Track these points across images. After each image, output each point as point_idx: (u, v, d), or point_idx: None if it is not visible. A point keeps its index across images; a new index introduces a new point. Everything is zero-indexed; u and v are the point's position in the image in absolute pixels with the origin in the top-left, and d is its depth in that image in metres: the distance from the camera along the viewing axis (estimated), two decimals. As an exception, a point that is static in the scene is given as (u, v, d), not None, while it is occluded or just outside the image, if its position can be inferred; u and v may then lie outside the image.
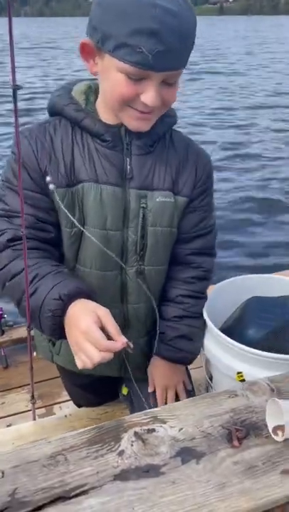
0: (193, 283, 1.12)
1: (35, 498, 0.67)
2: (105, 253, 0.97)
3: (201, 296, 1.15)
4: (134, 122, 0.91)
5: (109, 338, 0.80)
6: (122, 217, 0.97)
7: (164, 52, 0.79)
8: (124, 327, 1.08)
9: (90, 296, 0.88)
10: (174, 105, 0.96)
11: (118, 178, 0.96)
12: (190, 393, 1.20)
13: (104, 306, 0.82)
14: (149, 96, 0.85)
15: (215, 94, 10.71)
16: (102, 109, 0.95)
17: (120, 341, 0.79)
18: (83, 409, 1.38)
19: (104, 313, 0.81)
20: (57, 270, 0.91)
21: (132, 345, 0.81)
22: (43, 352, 1.22)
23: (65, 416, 1.34)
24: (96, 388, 1.32)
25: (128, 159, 0.96)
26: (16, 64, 0.77)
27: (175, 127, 1.06)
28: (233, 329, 1.22)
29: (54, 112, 0.98)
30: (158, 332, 1.11)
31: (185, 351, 1.14)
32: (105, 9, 0.82)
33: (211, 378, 1.23)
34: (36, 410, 1.70)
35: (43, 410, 1.73)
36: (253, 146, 6.81)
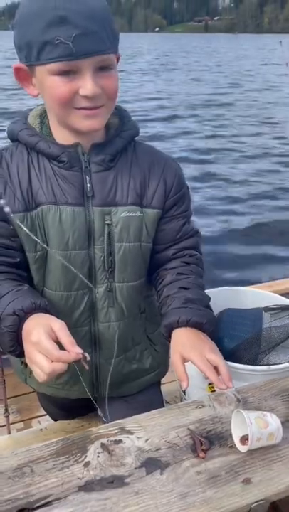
0: (188, 263, 1.07)
1: (-1, 510, 0.68)
2: (69, 274, 0.97)
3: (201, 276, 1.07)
4: (84, 123, 0.90)
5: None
6: (86, 237, 0.97)
7: (81, 36, 0.80)
8: (95, 346, 1.07)
9: (47, 310, 0.88)
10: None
11: (78, 197, 0.95)
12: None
13: (72, 325, 0.82)
14: (86, 87, 0.84)
15: None
16: (56, 130, 0.96)
17: (74, 352, 0.78)
18: (59, 422, 1.38)
19: (59, 326, 0.80)
20: (17, 289, 0.92)
21: (88, 357, 0.80)
22: (17, 373, 1.22)
23: (40, 430, 1.34)
24: (72, 407, 1.32)
25: (88, 177, 0.95)
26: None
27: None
28: (207, 341, 1.23)
29: (12, 138, 1.00)
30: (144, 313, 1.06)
31: (203, 312, 0.98)
32: (19, 25, 0.85)
33: (184, 391, 1.24)
34: (14, 424, 1.70)
35: (21, 424, 1.72)
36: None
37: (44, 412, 1.69)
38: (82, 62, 0.83)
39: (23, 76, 0.91)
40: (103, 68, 0.87)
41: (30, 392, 1.77)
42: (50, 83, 0.86)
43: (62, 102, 0.87)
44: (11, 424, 1.49)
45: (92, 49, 0.83)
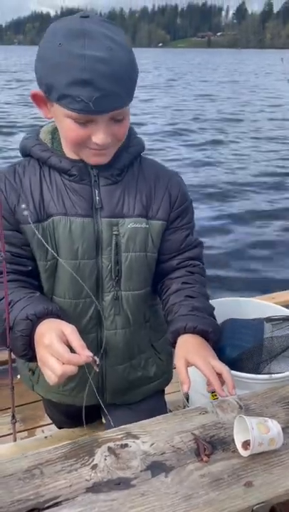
0: (192, 273, 1.13)
1: (10, 509, 0.70)
2: (77, 282, 1.01)
3: (204, 282, 1.13)
4: (92, 159, 0.98)
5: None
6: (94, 246, 1.02)
7: (102, 98, 0.86)
8: (102, 353, 1.10)
9: (59, 316, 0.92)
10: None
11: (88, 209, 1.01)
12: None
13: (80, 332, 0.84)
14: (98, 137, 0.92)
15: None
16: (67, 147, 1.02)
17: (84, 355, 0.81)
18: (63, 430, 1.40)
19: (70, 330, 0.84)
20: (29, 295, 0.96)
21: (98, 361, 0.83)
22: (24, 380, 1.25)
23: (45, 437, 1.36)
24: (77, 415, 1.34)
25: (96, 191, 1.01)
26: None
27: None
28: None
29: (24, 153, 1.06)
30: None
31: (209, 320, 1.03)
32: (43, 63, 0.90)
33: (187, 398, 1.27)
34: (19, 434, 1.72)
35: (25, 434, 1.74)
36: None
37: (48, 422, 1.72)
38: (98, 116, 0.90)
39: (40, 99, 0.96)
40: (116, 118, 0.93)
41: (34, 402, 1.79)
42: (65, 124, 0.93)
43: (75, 143, 0.95)
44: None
45: (111, 107, 0.90)
